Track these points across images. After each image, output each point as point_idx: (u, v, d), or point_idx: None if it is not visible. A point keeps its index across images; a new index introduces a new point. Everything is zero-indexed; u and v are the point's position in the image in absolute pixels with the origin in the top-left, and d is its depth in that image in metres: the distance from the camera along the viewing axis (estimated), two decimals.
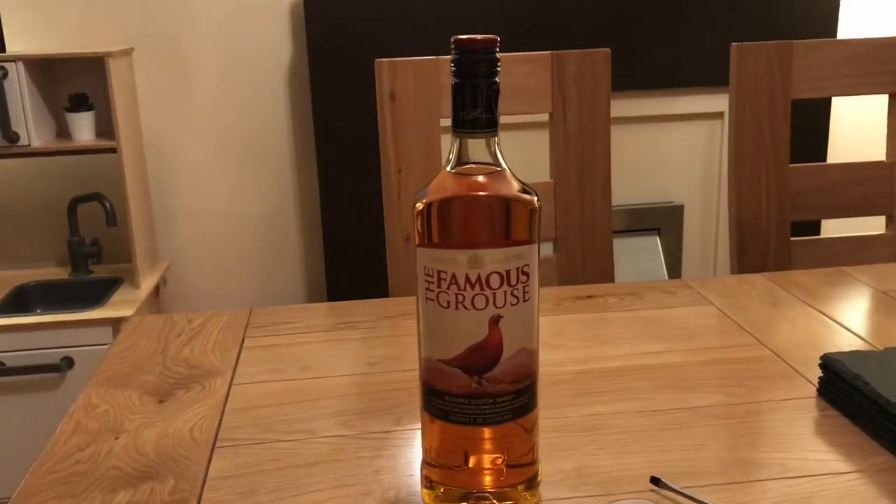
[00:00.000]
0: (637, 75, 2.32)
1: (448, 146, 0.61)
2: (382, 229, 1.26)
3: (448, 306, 0.59)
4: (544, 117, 1.31)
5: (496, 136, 0.59)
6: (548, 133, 1.31)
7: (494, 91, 0.58)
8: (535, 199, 0.60)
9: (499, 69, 0.58)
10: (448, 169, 0.60)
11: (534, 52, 1.27)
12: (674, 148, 2.48)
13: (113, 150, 2.09)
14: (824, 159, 2.46)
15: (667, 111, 2.43)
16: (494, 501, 0.62)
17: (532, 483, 0.64)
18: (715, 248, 2.57)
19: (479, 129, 0.58)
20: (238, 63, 2.35)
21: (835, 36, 2.38)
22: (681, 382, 0.85)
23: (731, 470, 0.69)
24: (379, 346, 0.97)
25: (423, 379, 0.62)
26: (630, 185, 2.44)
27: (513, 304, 0.59)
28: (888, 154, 1.38)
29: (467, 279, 0.58)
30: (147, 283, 2.22)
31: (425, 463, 0.65)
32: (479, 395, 0.59)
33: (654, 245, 2.48)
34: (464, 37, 0.57)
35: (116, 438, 0.76)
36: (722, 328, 0.99)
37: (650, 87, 2.36)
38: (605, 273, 1.33)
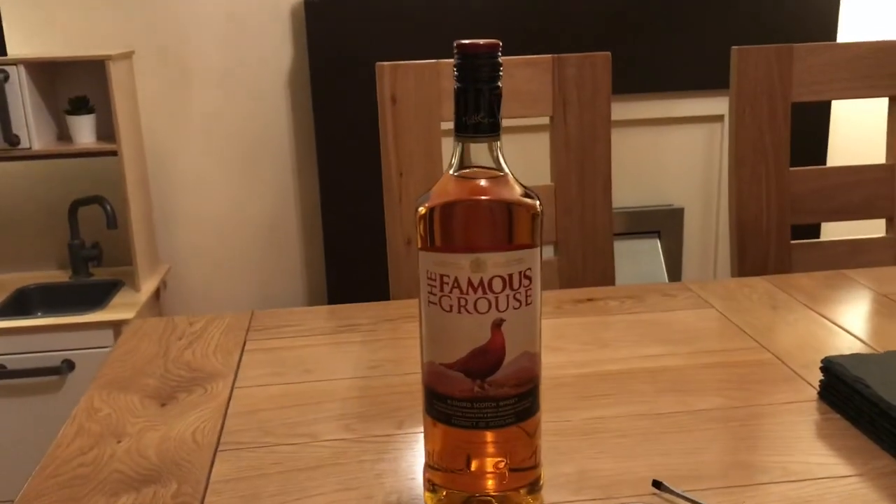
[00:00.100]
0: (637, 78, 2.32)
1: (449, 149, 0.61)
2: (383, 232, 1.26)
3: (450, 310, 0.59)
4: (545, 120, 1.31)
5: (498, 140, 0.59)
6: (548, 136, 1.31)
7: (497, 95, 0.58)
8: (538, 203, 0.60)
9: (501, 74, 0.58)
10: (451, 173, 0.60)
11: (535, 56, 1.27)
12: (674, 151, 2.48)
13: (113, 153, 2.09)
14: (824, 162, 2.46)
15: (667, 114, 2.43)
16: None
17: (534, 487, 0.64)
18: (715, 250, 2.57)
19: (481, 134, 0.58)
20: (238, 66, 2.35)
21: (834, 39, 2.38)
22: (682, 386, 0.85)
23: (733, 473, 0.69)
24: (380, 349, 0.97)
25: (426, 382, 0.62)
26: (630, 188, 2.44)
27: (515, 308, 0.59)
28: (888, 157, 1.39)
29: (470, 283, 0.58)
30: (148, 286, 2.22)
31: (428, 466, 0.65)
32: (482, 399, 0.60)
33: (654, 248, 2.48)
34: (466, 41, 0.57)
35: (119, 442, 0.76)
36: (722, 331, 0.99)
37: (650, 90, 2.37)
38: (605, 276, 1.33)
